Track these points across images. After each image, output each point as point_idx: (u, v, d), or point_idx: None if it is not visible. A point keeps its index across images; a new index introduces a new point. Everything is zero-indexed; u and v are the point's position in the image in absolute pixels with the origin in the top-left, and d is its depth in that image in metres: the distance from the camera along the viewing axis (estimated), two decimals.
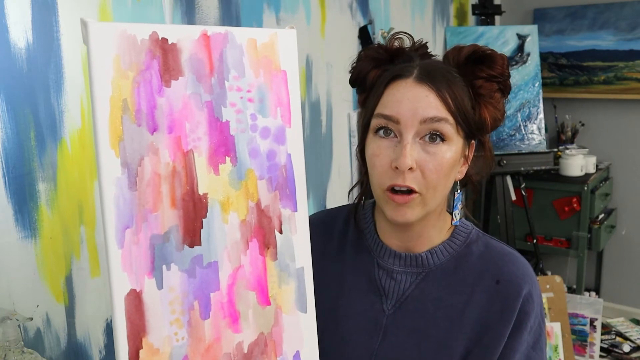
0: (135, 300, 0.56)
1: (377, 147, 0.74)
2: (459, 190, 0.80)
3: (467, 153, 0.78)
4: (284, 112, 0.64)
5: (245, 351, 0.61)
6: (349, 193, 0.94)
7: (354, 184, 0.89)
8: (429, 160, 0.72)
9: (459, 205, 0.80)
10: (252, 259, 0.62)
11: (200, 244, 0.59)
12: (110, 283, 0.55)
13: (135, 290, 0.56)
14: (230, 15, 1.51)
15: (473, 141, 0.79)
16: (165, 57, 0.58)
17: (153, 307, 0.57)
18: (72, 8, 1.13)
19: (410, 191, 0.73)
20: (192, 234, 0.59)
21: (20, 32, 1.05)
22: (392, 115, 0.73)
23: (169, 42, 0.58)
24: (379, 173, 0.74)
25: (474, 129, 0.76)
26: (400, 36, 0.80)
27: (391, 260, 0.82)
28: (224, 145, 0.61)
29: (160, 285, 0.57)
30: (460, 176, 0.79)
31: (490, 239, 0.82)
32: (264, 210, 0.63)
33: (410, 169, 0.71)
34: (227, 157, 0.61)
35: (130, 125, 0.56)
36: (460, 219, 0.82)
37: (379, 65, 0.79)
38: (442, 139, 0.72)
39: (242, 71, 0.62)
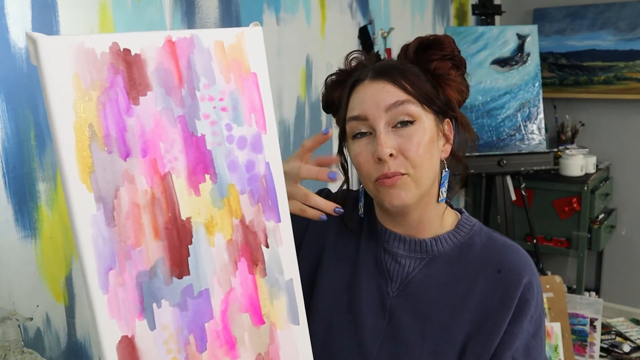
0: (128, 347, 0.52)
1: (357, 147, 0.79)
2: (446, 169, 0.83)
3: (445, 131, 0.82)
4: (258, 118, 0.61)
5: None
6: (337, 192, 0.96)
7: (337, 190, 0.94)
8: (406, 142, 0.76)
9: (446, 183, 0.83)
10: (242, 279, 0.60)
11: (189, 273, 0.56)
12: (98, 331, 0.50)
13: (127, 336, 0.51)
14: (230, 15, 1.51)
15: (448, 120, 0.83)
16: (130, 70, 0.53)
17: (148, 351, 0.53)
18: (72, 8, 1.13)
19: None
20: (180, 264, 0.55)
21: (20, 32, 1.05)
22: (360, 114, 0.78)
23: (132, 54, 0.53)
24: (366, 169, 0.79)
25: (443, 105, 0.80)
26: (355, 55, 0.86)
27: (396, 244, 0.84)
28: (202, 162, 0.57)
29: (152, 326, 0.53)
30: (445, 155, 0.83)
31: (493, 232, 0.85)
32: (248, 226, 0.60)
33: (392, 155, 0.75)
34: (206, 175, 0.58)
35: (100, 153, 0.51)
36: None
37: (340, 85, 0.85)
38: (411, 121, 0.77)
39: (213, 78, 0.58)
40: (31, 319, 0.97)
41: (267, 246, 0.61)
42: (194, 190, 0.57)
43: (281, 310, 0.62)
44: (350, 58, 0.86)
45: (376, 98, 0.77)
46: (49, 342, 1.14)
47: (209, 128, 0.58)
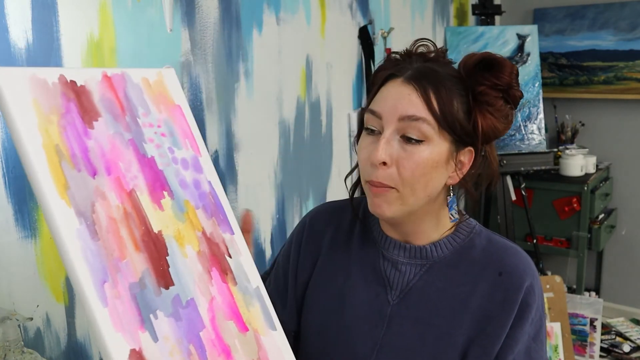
0: None
1: (363, 141, 0.78)
2: (451, 195, 0.80)
3: (459, 158, 0.77)
4: (192, 143, 0.66)
5: None
6: (345, 179, 0.95)
7: (350, 170, 0.90)
8: (405, 158, 0.73)
9: (454, 207, 0.81)
10: (219, 288, 0.61)
11: (173, 284, 0.56)
12: (105, 347, 0.48)
13: (135, 350, 0.50)
14: (230, 15, 1.51)
15: (471, 148, 0.77)
16: (80, 99, 0.57)
17: None
18: (72, 8, 1.13)
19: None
20: (163, 275, 0.56)
21: (20, 32, 1.05)
22: (377, 111, 0.75)
23: (78, 85, 0.57)
24: (361, 167, 0.78)
25: (463, 134, 0.75)
26: (425, 43, 0.80)
27: (396, 252, 0.83)
28: (158, 181, 0.60)
29: (155, 338, 0.52)
30: (452, 181, 0.78)
31: (493, 234, 0.83)
32: (210, 237, 0.63)
33: (385, 164, 0.73)
34: (164, 192, 0.60)
35: (71, 171, 0.52)
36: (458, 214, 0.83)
37: (391, 67, 0.80)
38: (419, 140, 0.73)
39: (147, 108, 0.63)
40: (31, 319, 0.97)
41: (230, 256, 0.64)
42: (157, 206, 0.59)
43: (258, 316, 0.64)
44: (421, 44, 0.80)
45: (397, 102, 0.73)
46: (49, 342, 1.14)
47: (156, 150, 0.62)
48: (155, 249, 0.56)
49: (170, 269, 0.57)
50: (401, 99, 0.73)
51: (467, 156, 0.78)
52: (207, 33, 1.44)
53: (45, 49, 1.09)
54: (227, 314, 0.60)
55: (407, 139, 0.73)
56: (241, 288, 0.63)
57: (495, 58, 0.75)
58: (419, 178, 0.73)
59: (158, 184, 0.60)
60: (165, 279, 0.56)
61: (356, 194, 0.91)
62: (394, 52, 0.82)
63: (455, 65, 0.79)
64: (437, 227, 0.82)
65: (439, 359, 0.77)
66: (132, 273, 0.53)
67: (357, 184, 0.87)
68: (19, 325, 0.94)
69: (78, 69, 0.59)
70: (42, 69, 0.55)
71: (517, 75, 0.76)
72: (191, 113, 0.68)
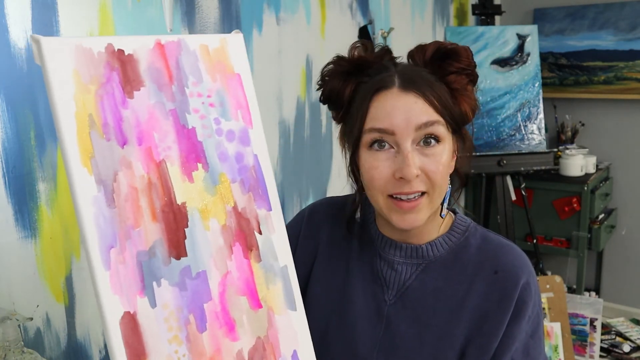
0: (130, 323, 0.53)
1: (374, 160, 0.74)
2: (449, 184, 0.81)
3: (455, 146, 0.81)
4: (244, 114, 0.65)
5: (246, 358, 0.61)
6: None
7: (350, 200, 0.90)
8: (430, 163, 0.73)
9: (447, 199, 0.81)
10: (238, 263, 0.62)
11: (186, 255, 0.58)
12: (101, 308, 0.52)
13: (129, 312, 0.53)
14: (230, 15, 1.51)
15: (458, 134, 0.81)
16: (124, 68, 0.58)
17: (149, 327, 0.54)
18: (72, 8, 1.13)
19: (416, 196, 0.74)
20: (177, 246, 0.58)
21: (20, 32, 1.05)
22: (387, 128, 0.73)
23: (126, 53, 0.58)
24: (380, 184, 0.74)
25: (459, 122, 0.78)
26: (359, 45, 0.79)
27: (392, 251, 0.83)
28: (193, 152, 0.61)
29: (153, 304, 0.55)
30: (451, 170, 0.80)
31: (488, 232, 0.84)
32: (241, 212, 0.63)
33: (417, 176, 0.72)
34: (198, 164, 0.61)
35: (100, 140, 0.55)
36: (449, 209, 0.84)
37: (349, 79, 0.78)
38: (437, 140, 0.74)
39: (200, 77, 0.63)
40: (31, 319, 0.97)
41: (260, 233, 0.64)
42: (187, 178, 0.60)
43: (278, 295, 0.64)
44: (356, 46, 0.79)
45: (408, 113, 0.72)
46: (49, 342, 1.14)
47: (199, 121, 0.62)
48: (174, 220, 0.58)
49: (186, 241, 0.58)
50: (411, 109, 0.72)
51: (457, 142, 0.81)
52: (207, 33, 1.44)
53: None
54: (240, 289, 0.61)
55: (425, 143, 0.73)
56: (264, 265, 0.64)
57: (448, 47, 0.76)
58: (445, 177, 0.75)
59: (193, 155, 0.60)
60: (178, 250, 0.58)
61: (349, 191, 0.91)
62: (328, 66, 0.80)
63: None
64: (436, 223, 0.82)
65: (438, 359, 0.77)
66: (142, 241, 0.55)
67: (354, 209, 0.87)
68: (19, 325, 0.94)
69: (130, 36, 0.60)
70: (90, 38, 0.56)
71: (472, 54, 0.78)
72: (251, 81, 0.66)
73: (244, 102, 0.65)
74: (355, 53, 0.79)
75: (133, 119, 0.57)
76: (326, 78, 0.80)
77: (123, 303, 0.53)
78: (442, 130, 0.74)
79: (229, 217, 0.62)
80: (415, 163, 0.72)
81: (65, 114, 0.53)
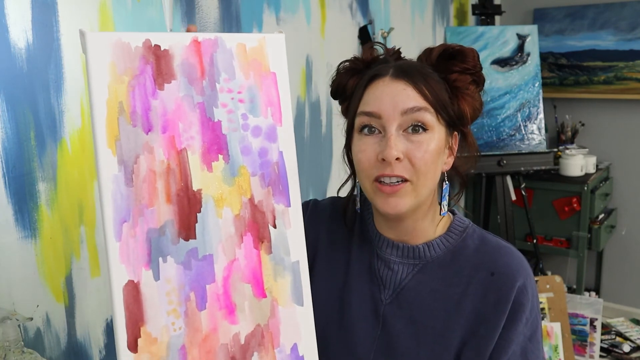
0: (133, 290, 0.58)
1: (362, 144, 0.77)
2: (446, 182, 0.82)
3: (451, 144, 0.81)
4: (274, 112, 0.67)
5: (242, 342, 0.63)
6: (337, 192, 0.95)
7: (342, 183, 0.91)
8: (415, 149, 0.74)
9: (447, 197, 0.82)
10: (247, 252, 0.64)
11: (195, 237, 0.61)
12: (109, 275, 0.58)
13: (133, 281, 0.58)
14: (230, 15, 1.51)
15: (456, 132, 0.81)
16: (158, 62, 0.62)
17: (150, 297, 0.59)
18: (72, 8, 1.13)
19: (399, 181, 0.75)
20: (187, 228, 0.61)
21: (20, 32, 1.05)
22: (374, 112, 0.76)
23: (162, 49, 0.62)
24: (366, 167, 0.77)
25: (455, 119, 0.79)
26: (375, 46, 0.84)
27: (389, 251, 0.83)
28: (216, 144, 0.64)
29: (157, 277, 0.59)
30: (447, 167, 0.81)
31: (486, 234, 0.83)
32: (257, 205, 0.65)
33: (398, 159, 0.74)
34: (219, 155, 0.64)
35: (126, 125, 0.60)
36: (448, 210, 0.84)
37: (356, 74, 0.83)
38: (424, 128, 0.75)
39: (233, 73, 0.65)
40: (31, 319, 0.98)
41: (275, 226, 0.66)
42: (206, 167, 0.63)
43: (285, 288, 0.65)
44: (372, 47, 0.84)
45: (395, 99, 0.75)
46: (49, 342, 1.14)
47: (226, 115, 0.64)
48: (188, 204, 0.62)
49: (197, 225, 0.62)
50: (398, 94, 0.75)
51: (455, 141, 0.82)
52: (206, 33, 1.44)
53: (45, 49, 1.09)
54: (246, 276, 0.64)
55: (413, 130, 0.75)
56: (275, 258, 0.65)
57: (455, 48, 0.79)
58: (430, 166, 0.75)
59: (215, 147, 0.64)
60: (187, 232, 0.61)
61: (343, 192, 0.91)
62: (344, 62, 0.84)
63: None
64: (433, 221, 0.83)
65: None
66: (155, 220, 0.60)
67: (350, 196, 0.88)
68: (19, 325, 0.94)
69: (169, 33, 0.65)
70: (129, 34, 0.61)
71: (479, 57, 0.80)
72: (287, 81, 0.68)
73: (276, 100, 0.67)
74: (372, 54, 0.83)
75: (160, 108, 0.61)
76: (338, 73, 0.85)
77: (129, 272, 0.58)
78: (429, 118, 0.75)
79: (243, 208, 0.64)
80: (398, 146, 0.73)
81: (98, 100, 0.59)
